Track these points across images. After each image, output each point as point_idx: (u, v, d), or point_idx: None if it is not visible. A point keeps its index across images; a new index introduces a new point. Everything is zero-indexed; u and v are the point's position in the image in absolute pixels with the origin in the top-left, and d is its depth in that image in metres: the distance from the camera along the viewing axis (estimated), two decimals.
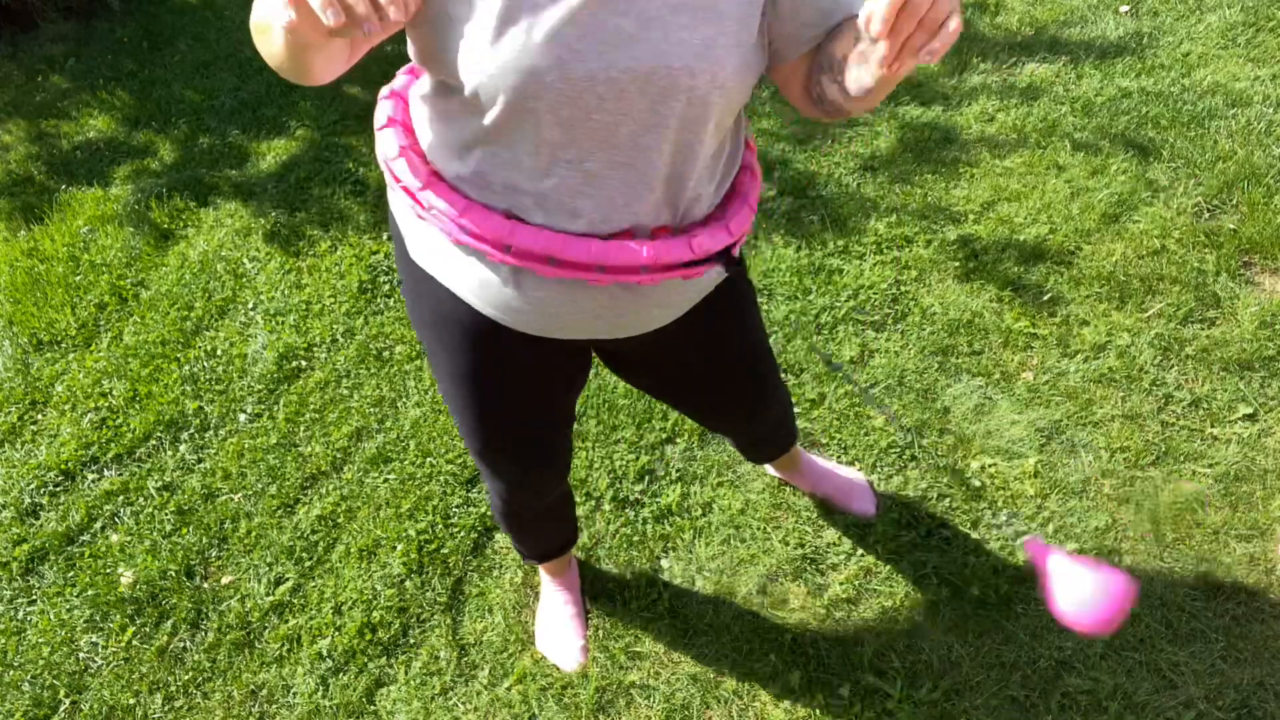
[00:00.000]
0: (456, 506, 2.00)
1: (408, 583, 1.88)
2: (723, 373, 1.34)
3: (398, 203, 1.13)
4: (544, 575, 1.79)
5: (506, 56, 0.89)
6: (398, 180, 1.06)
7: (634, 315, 1.11)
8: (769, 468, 1.94)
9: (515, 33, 0.88)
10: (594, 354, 1.32)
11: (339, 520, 2.01)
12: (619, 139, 0.95)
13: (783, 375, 2.15)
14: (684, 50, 0.90)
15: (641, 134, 0.95)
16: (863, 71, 0.90)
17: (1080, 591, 1.06)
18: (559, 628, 1.74)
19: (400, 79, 1.13)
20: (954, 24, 0.75)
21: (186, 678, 1.79)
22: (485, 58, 0.89)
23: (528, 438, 1.30)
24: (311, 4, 0.72)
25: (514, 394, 1.23)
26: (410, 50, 0.99)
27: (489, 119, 0.94)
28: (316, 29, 0.76)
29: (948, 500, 1.89)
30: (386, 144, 1.07)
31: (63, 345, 2.53)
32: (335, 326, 2.46)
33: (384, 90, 1.12)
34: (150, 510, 2.08)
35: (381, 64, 3.52)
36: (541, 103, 0.91)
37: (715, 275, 1.13)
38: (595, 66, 0.89)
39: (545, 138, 0.94)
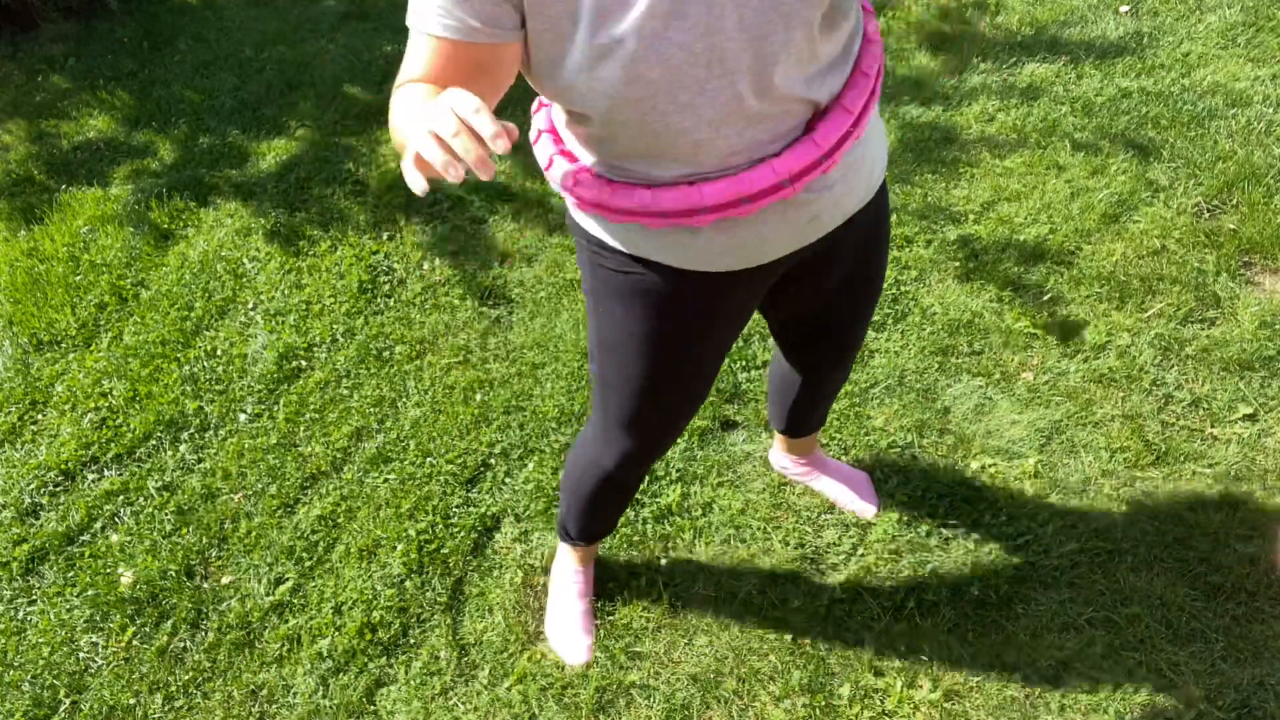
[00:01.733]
0: (456, 506, 2.00)
1: (408, 583, 1.88)
2: (861, 296, 1.39)
3: (581, 214, 1.20)
4: (566, 562, 1.78)
5: (610, 84, 0.95)
6: (582, 200, 1.13)
7: (829, 210, 1.15)
8: (777, 458, 1.94)
9: (607, 60, 0.93)
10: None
11: (339, 520, 2.01)
12: (707, 91, 0.98)
13: None
14: (754, 5, 0.93)
15: (759, 70, 0.97)
16: None
17: None
18: (569, 622, 1.74)
19: (539, 116, 1.19)
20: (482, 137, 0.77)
21: (186, 678, 1.79)
22: (595, 91, 0.96)
23: (691, 386, 1.36)
24: (435, 165, 0.75)
25: (697, 343, 1.29)
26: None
27: (623, 136, 1.01)
28: (418, 189, 0.80)
29: (948, 500, 1.89)
30: (559, 179, 1.14)
31: (63, 345, 2.53)
32: (335, 326, 2.46)
33: (531, 132, 1.19)
34: (150, 510, 2.08)
35: (382, 64, 3.52)
36: (659, 97, 0.96)
37: (872, 134, 1.18)
38: (685, 39, 0.93)
39: (693, 119, 0.99)
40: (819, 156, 1.06)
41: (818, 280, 1.30)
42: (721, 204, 1.06)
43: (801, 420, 1.77)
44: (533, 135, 1.18)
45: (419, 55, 0.97)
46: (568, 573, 1.78)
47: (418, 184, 0.77)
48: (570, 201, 1.18)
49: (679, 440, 2.05)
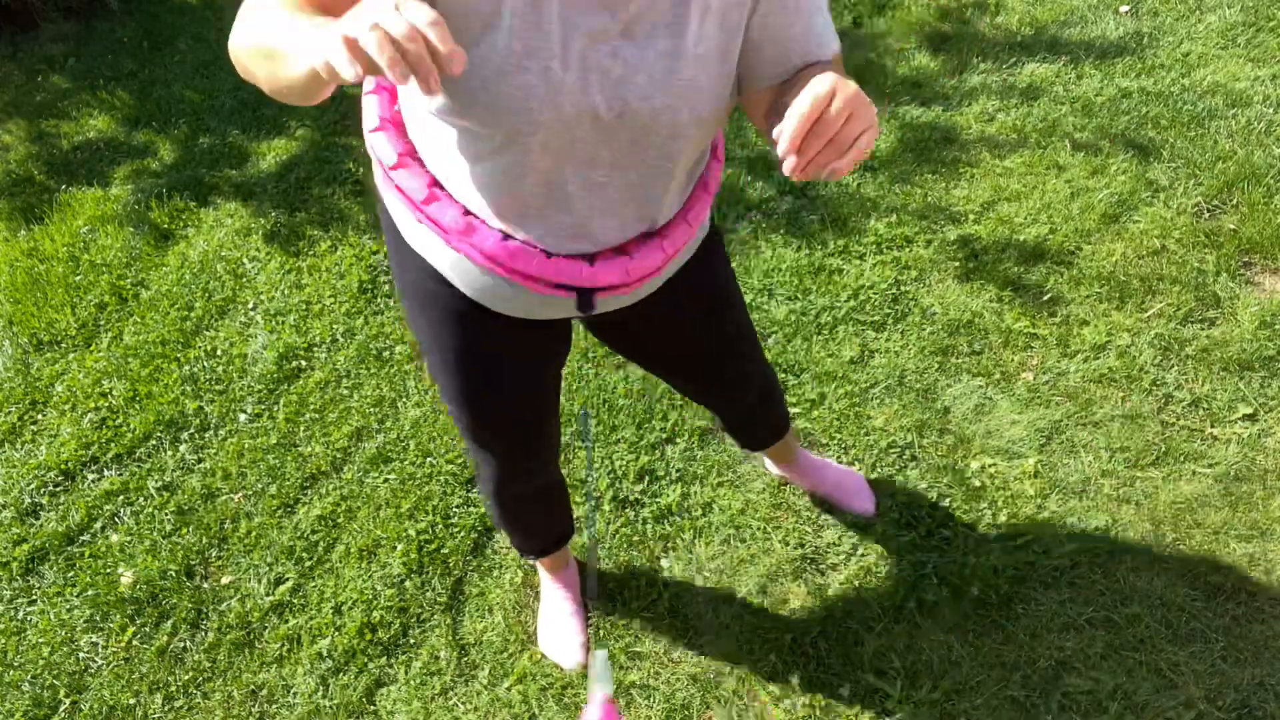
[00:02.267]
0: (456, 506, 2.00)
1: (408, 583, 1.88)
2: (701, 333, 1.38)
3: (390, 196, 1.14)
4: (543, 573, 1.79)
5: (498, 96, 0.92)
6: (398, 188, 1.08)
7: (610, 302, 1.16)
8: (769, 465, 1.94)
9: (517, 76, 0.91)
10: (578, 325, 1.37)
11: (339, 520, 2.01)
12: (599, 162, 1.00)
13: (783, 375, 2.15)
14: (666, 92, 0.94)
15: (620, 158, 1.00)
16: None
17: None
18: (559, 626, 1.74)
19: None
20: (864, 142, 0.78)
21: (186, 678, 1.79)
22: (486, 96, 0.93)
23: (514, 411, 1.33)
24: (377, 60, 0.66)
25: (499, 367, 1.26)
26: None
27: (487, 145, 0.98)
28: (346, 72, 0.71)
29: (948, 500, 1.89)
30: (384, 150, 1.08)
31: (63, 345, 2.53)
32: (335, 326, 2.46)
33: (368, 84, 1.11)
34: (150, 510, 2.08)
35: None
36: (534, 138, 0.95)
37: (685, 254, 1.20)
38: (583, 106, 0.93)
39: (535, 163, 0.98)
40: (664, 259, 1.10)
41: (630, 334, 1.31)
42: (523, 273, 1.06)
43: (750, 436, 1.77)
44: (370, 122, 1.10)
45: None
46: (546, 582, 1.79)
47: (349, 68, 0.66)
48: (381, 177, 1.13)
49: (679, 440, 2.05)
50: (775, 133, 0.78)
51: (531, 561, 1.76)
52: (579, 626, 1.74)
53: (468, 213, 1.05)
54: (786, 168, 0.79)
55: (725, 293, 1.37)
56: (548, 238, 1.05)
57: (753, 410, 1.65)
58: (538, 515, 1.61)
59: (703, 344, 1.40)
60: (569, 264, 1.06)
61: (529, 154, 0.97)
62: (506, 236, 1.05)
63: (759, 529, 1.88)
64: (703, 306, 1.34)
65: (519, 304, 1.14)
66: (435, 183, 1.07)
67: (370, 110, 1.09)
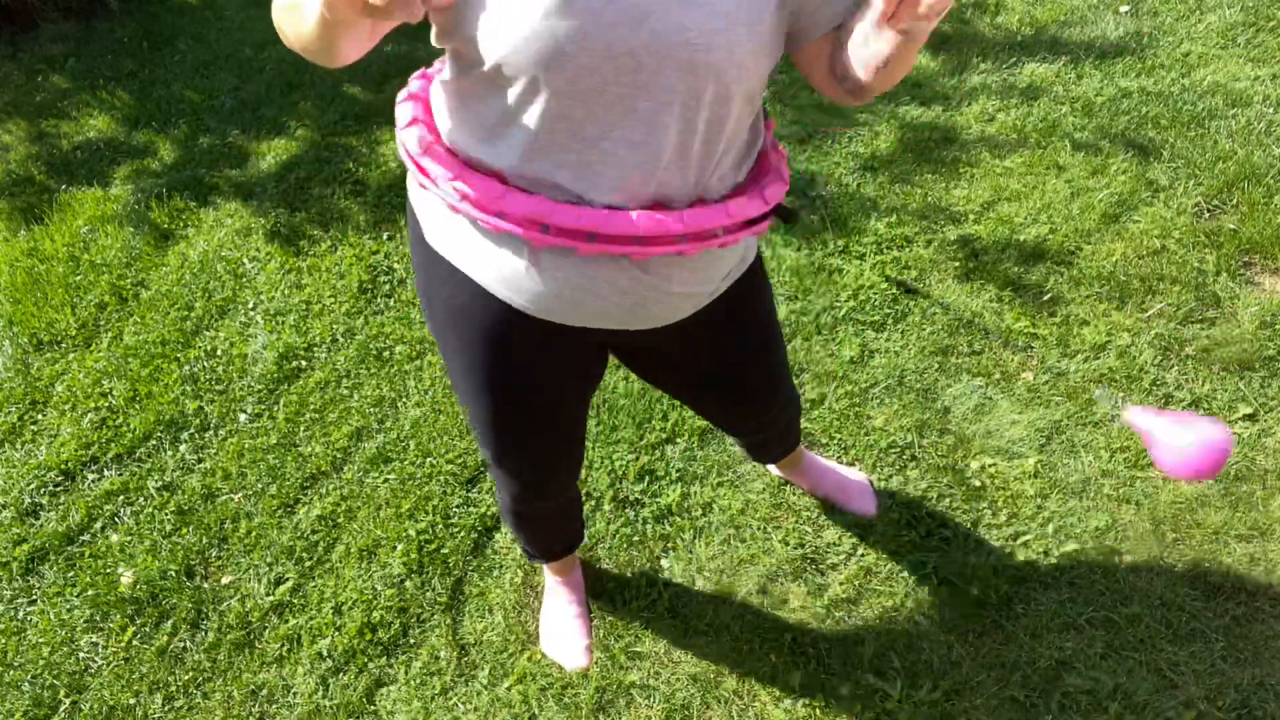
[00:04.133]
0: (456, 506, 2.00)
1: (408, 583, 1.88)
2: (737, 371, 1.34)
3: (424, 198, 1.13)
4: (548, 575, 1.79)
5: (527, 28, 0.90)
6: (427, 174, 1.06)
7: (656, 305, 1.11)
8: (771, 467, 1.94)
9: (536, 4, 0.89)
10: (610, 353, 1.32)
11: (339, 520, 2.01)
12: (638, 115, 0.96)
13: None
14: (700, 26, 0.91)
15: (659, 110, 0.96)
16: (880, 42, 0.91)
17: (1180, 443, 1.10)
18: (563, 627, 1.74)
19: (416, 83, 1.13)
20: None
21: (186, 678, 1.79)
22: (506, 30, 0.91)
23: (541, 436, 1.30)
24: None
25: (529, 389, 1.23)
26: (433, 31, 1.00)
27: (511, 96, 0.95)
28: (356, 7, 0.75)
29: (948, 500, 1.89)
30: (411, 141, 1.07)
31: (63, 345, 2.53)
32: (335, 326, 2.46)
33: (401, 94, 1.12)
34: (150, 510, 2.08)
35: (381, 64, 3.52)
36: (561, 75, 0.92)
37: (745, 246, 1.16)
38: (613, 37, 0.90)
39: (565, 112, 0.95)
40: (677, 234, 1.02)
41: (677, 350, 1.26)
42: (571, 230, 1.00)
43: (766, 455, 1.78)
44: (402, 120, 1.10)
45: None
46: (552, 584, 1.78)
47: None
48: (414, 183, 1.12)
49: (679, 440, 2.05)
50: None
51: (539, 563, 1.76)
52: (583, 629, 1.74)
53: (502, 180, 1.02)
54: (873, 14, 0.79)
55: (769, 320, 1.35)
56: (590, 192, 1.01)
57: (774, 435, 1.65)
58: (553, 528, 1.61)
59: (743, 369, 1.35)
60: (612, 214, 1.00)
61: (559, 99, 0.94)
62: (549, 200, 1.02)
63: (759, 529, 1.88)
64: (747, 331, 1.30)
65: (564, 290, 1.07)
66: (466, 163, 1.05)
67: (414, 140, 1.08)
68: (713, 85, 0.95)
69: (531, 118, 0.97)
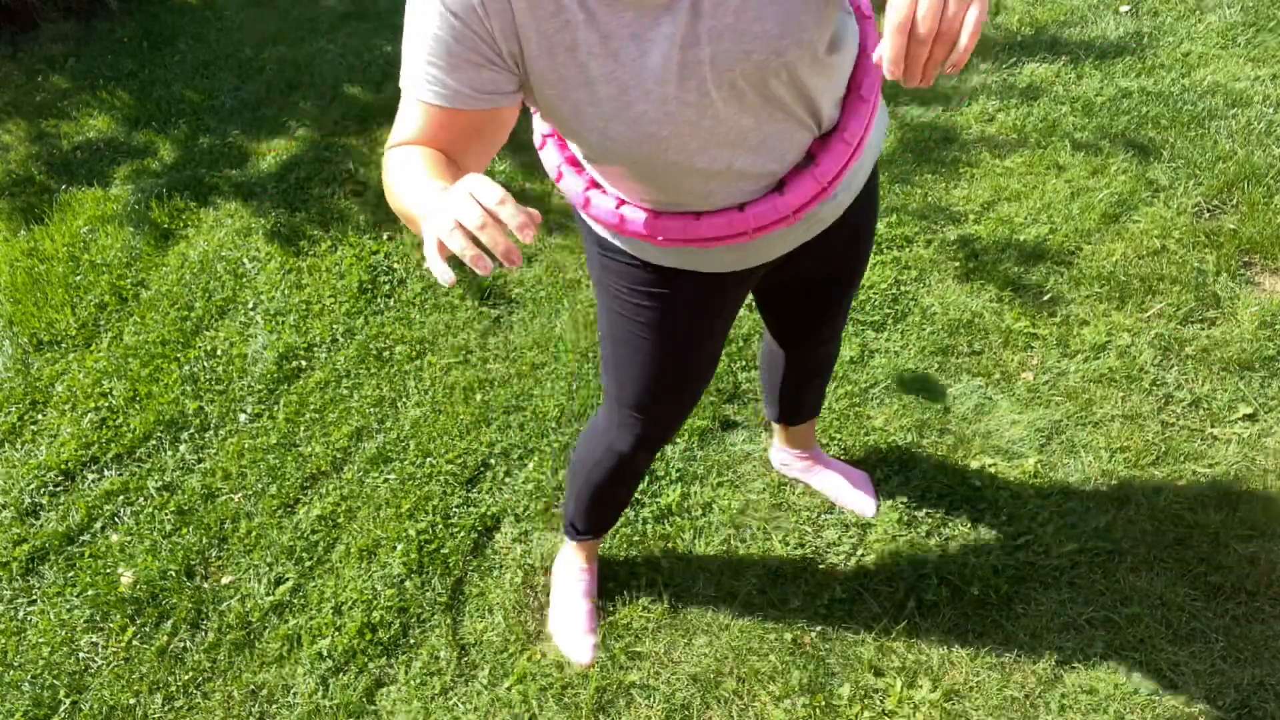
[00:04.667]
0: (456, 506, 2.00)
1: (408, 583, 1.88)
2: (847, 272, 1.41)
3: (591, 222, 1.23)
4: (571, 559, 1.78)
5: (621, 139, 0.96)
6: (600, 221, 1.17)
7: (828, 211, 1.18)
8: (777, 453, 1.94)
9: (622, 112, 0.94)
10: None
11: (339, 520, 2.01)
12: (747, 133, 1.01)
13: None
14: (763, 41, 0.93)
15: (765, 120, 1.00)
16: None
17: None
18: (574, 620, 1.74)
19: (546, 124, 1.19)
20: (973, 18, 0.73)
21: (186, 678, 1.79)
22: (606, 141, 0.97)
23: (701, 372, 1.40)
24: (463, 259, 0.73)
25: (698, 330, 1.32)
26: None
27: (638, 170, 1.03)
28: (443, 280, 0.79)
29: (948, 500, 1.89)
30: (569, 186, 1.16)
31: (63, 345, 2.53)
32: (335, 326, 2.46)
33: (537, 138, 1.20)
34: (150, 510, 2.08)
35: (381, 64, 3.52)
36: (669, 151, 0.98)
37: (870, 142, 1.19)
38: (695, 102, 0.95)
39: (689, 164, 1.01)
40: (818, 190, 1.08)
41: (809, 255, 1.31)
42: (721, 235, 1.09)
43: (795, 403, 1.78)
44: (552, 173, 1.18)
45: (412, 118, 0.94)
46: (573, 572, 1.78)
47: (446, 275, 0.74)
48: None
49: (678, 440, 2.05)
50: (875, 57, 0.77)
51: (578, 541, 1.75)
52: (593, 625, 1.74)
53: (620, 204, 1.12)
54: (907, 84, 0.78)
55: (870, 230, 1.41)
56: (711, 198, 1.08)
57: (820, 368, 1.69)
58: (629, 488, 1.65)
59: (841, 272, 1.42)
60: (723, 218, 1.08)
61: (679, 159, 1.00)
62: (658, 214, 1.10)
63: (759, 529, 1.88)
64: (856, 238, 1.36)
65: (735, 253, 1.17)
66: (593, 184, 1.14)
67: (548, 160, 1.18)
68: (802, 71, 0.97)
69: (660, 178, 1.04)
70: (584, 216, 1.23)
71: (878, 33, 1.13)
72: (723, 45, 0.92)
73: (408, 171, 0.90)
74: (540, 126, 1.19)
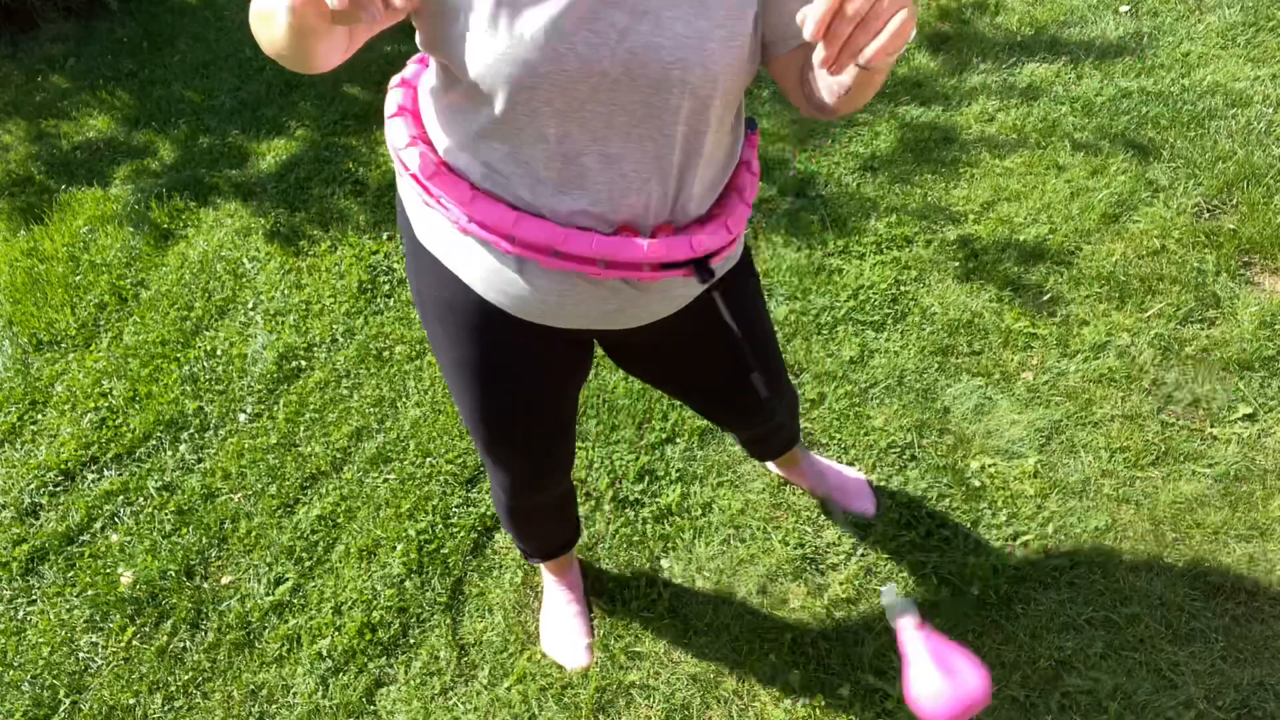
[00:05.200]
0: (456, 506, 2.00)
1: (408, 583, 1.88)
2: (725, 365, 1.33)
3: (406, 189, 1.14)
4: (547, 575, 1.79)
5: (502, 47, 0.90)
6: (406, 169, 1.07)
7: (634, 308, 1.12)
8: (770, 465, 1.95)
9: (512, 23, 0.89)
10: (597, 344, 1.33)
11: (339, 520, 2.01)
12: (614, 131, 0.96)
13: None
14: (676, 43, 0.91)
15: (635, 125, 0.96)
16: (841, 74, 0.89)
17: (931, 686, 1.04)
18: (563, 627, 1.74)
19: (411, 67, 1.14)
20: (898, 24, 0.73)
21: (186, 678, 1.79)
22: (483, 48, 0.91)
23: (531, 427, 1.31)
24: (331, 3, 0.71)
25: (517, 382, 1.24)
26: (418, 38, 1.00)
27: (492, 110, 0.96)
28: (321, 13, 0.76)
29: (948, 500, 1.89)
30: (396, 132, 1.08)
31: (63, 345, 2.53)
32: (335, 326, 2.46)
33: (394, 79, 1.13)
34: (150, 510, 2.08)
35: (381, 64, 3.52)
36: (537, 94, 0.92)
37: (713, 277, 1.13)
38: (588, 58, 0.90)
39: (543, 130, 0.95)
40: (688, 253, 1.03)
41: (650, 356, 1.26)
42: (532, 244, 1.01)
43: (764, 450, 1.77)
44: (390, 109, 1.10)
45: None
46: (550, 583, 1.78)
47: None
48: (406, 190, 1.12)
49: (678, 440, 2.05)
50: (799, 16, 0.75)
51: (536, 563, 1.76)
52: (584, 628, 1.74)
53: (513, 207, 1.03)
54: (816, 58, 0.76)
55: (759, 318, 1.34)
56: (558, 205, 1.01)
57: (769, 431, 1.64)
58: (548, 523, 1.61)
59: (721, 378, 1.35)
60: (584, 238, 1.01)
61: (535, 117, 0.94)
62: (521, 213, 1.02)
63: (759, 529, 1.88)
64: (728, 339, 1.28)
65: (547, 296, 1.08)
66: (475, 186, 1.05)
67: (399, 131, 1.09)
68: (689, 100, 0.95)
69: (511, 132, 0.97)
70: (417, 227, 1.14)
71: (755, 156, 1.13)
72: (641, 25, 0.90)
73: None
74: (395, 97, 1.10)
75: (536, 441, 1.33)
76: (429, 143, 1.07)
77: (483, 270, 1.09)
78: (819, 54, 0.76)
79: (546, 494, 1.47)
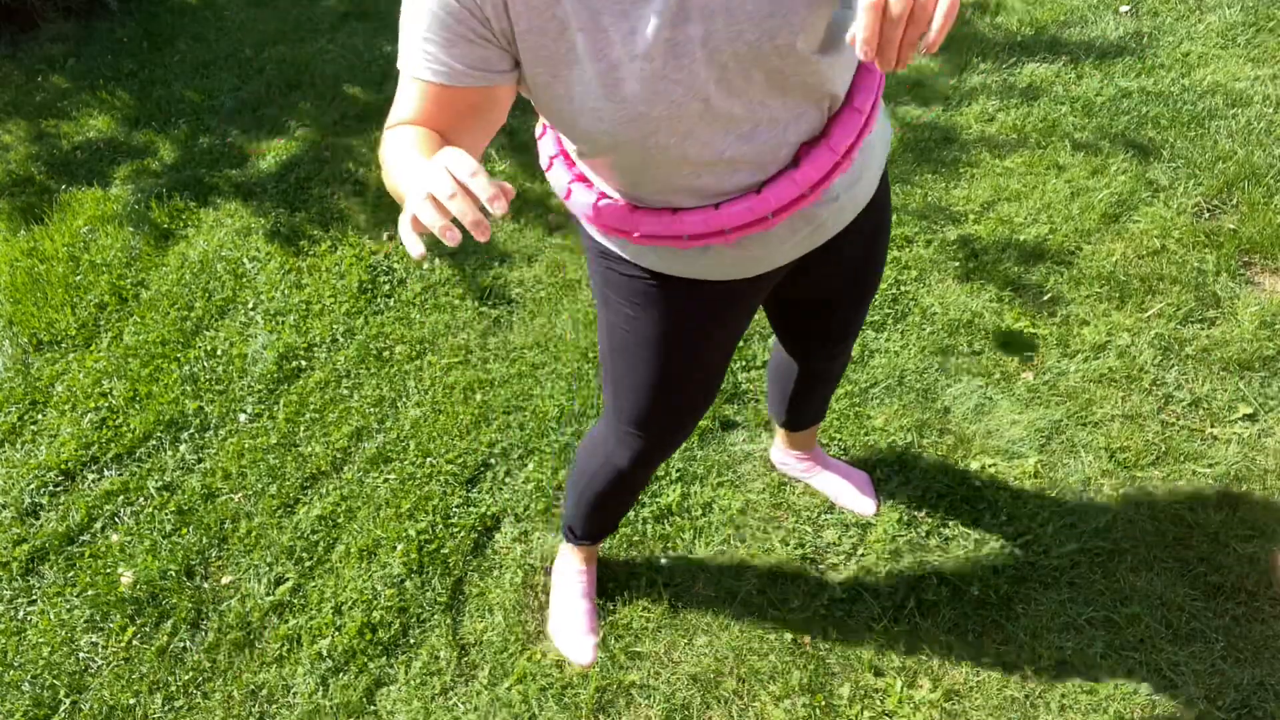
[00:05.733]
0: (456, 506, 2.00)
1: (408, 583, 1.88)
2: (866, 280, 1.40)
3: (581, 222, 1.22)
4: (569, 563, 1.78)
5: (616, 114, 0.95)
6: (579, 213, 1.17)
7: (823, 222, 1.17)
8: (778, 453, 1.94)
9: (617, 88, 0.93)
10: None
11: (339, 520, 2.01)
12: (738, 120, 0.99)
13: None
14: (754, 22, 0.92)
15: (756, 108, 0.99)
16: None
17: None
18: (574, 620, 1.74)
19: (549, 140, 1.20)
20: (946, 2, 0.73)
21: (186, 678, 1.79)
22: (598, 121, 0.96)
23: (710, 390, 1.39)
24: (432, 229, 0.73)
25: (710, 342, 1.31)
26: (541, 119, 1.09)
27: (631, 160, 1.02)
28: (414, 252, 0.80)
29: (948, 500, 1.89)
30: (554, 180, 1.17)
31: (63, 345, 2.53)
32: (335, 326, 2.46)
33: (545, 157, 1.19)
34: (150, 510, 2.08)
35: (381, 64, 3.52)
36: (659, 135, 0.97)
37: (876, 136, 1.19)
38: (687, 83, 0.94)
39: (684, 153, 1.01)
40: (798, 194, 1.08)
41: (822, 269, 1.31)
42: (698, 233, 1.08)
43: (800, 411, 1.78)
44: (544, 162, 1.19)
45: (409, 98, 0.95)
46: (571, 573, 1.78)
47: (415, 248, 0.74)
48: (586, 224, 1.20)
49: None
50: (848, 36, 0.76)
51: (576, 545, 1.75)
52: (593, 625, 1.74)
53: (601, 197, 1.11)
54: (882, 67, 0.77)
55: (881, 244, 1.39)
56: (703, 193, 1.07)
57: (830, 380, 1.68)
58: (627, 499, 1.64)
59: (857, 292, 1.41)
60: (699, 215, 1.08)
61: (667, 151, 0.99)
62: (636, 208, 1.09)
63: (759, 529, 1.88)
64: (868, 252, 1.34)
65: (752, 252, 1.15)
66: (580, 178, 1.13)
67: (555, 179, 1.17)
68: (791, 56, 0.96)
69: (654, 177, 1.03)
70: (583, 223, 1.22)
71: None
72: (714, 24, 0.91)
73: (400, 150, 0.90)
74: (545, 147, 1.19)
75: (700, 403, 1.41)
76: (584, 179, 1.14)
77: (681, 264, 1.17)
78: (878, 65, 0.78)
79: (664, 459, 1.53)
